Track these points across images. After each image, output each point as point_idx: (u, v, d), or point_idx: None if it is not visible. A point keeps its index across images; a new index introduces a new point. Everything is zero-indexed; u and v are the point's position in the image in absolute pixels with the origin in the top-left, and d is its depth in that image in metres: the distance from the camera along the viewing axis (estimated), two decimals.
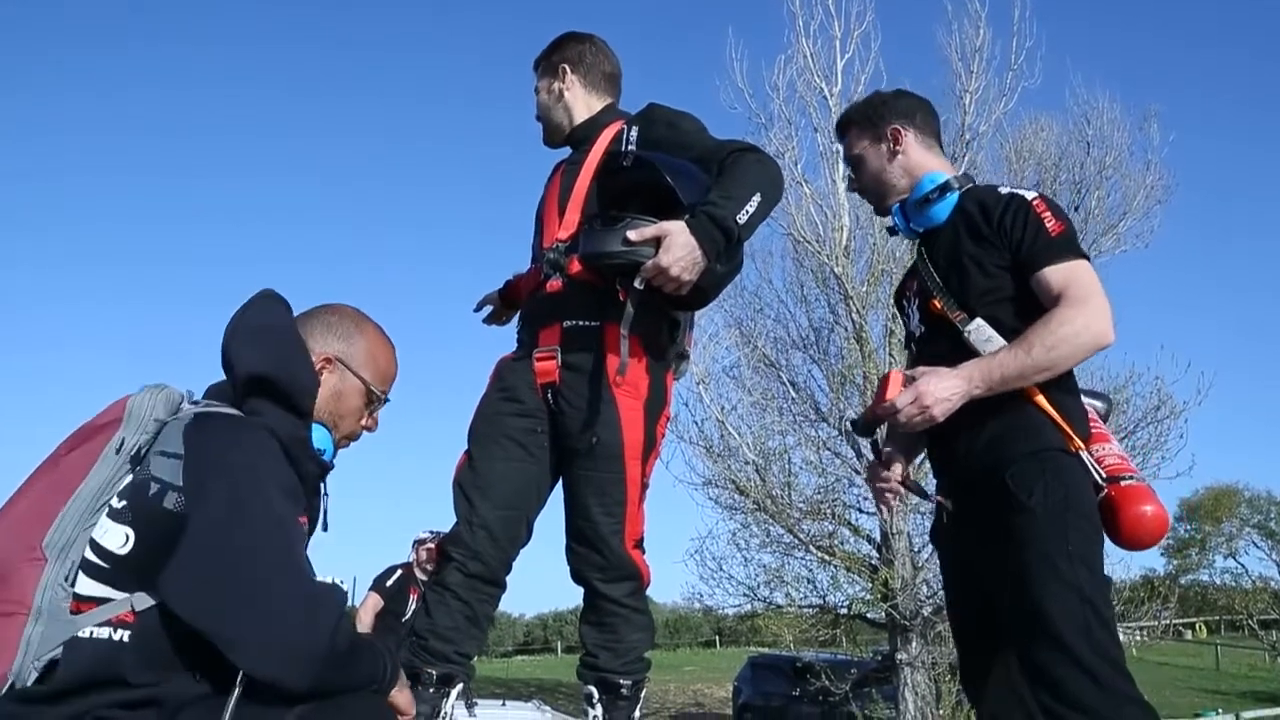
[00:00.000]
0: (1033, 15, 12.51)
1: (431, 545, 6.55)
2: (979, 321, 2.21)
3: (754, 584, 12.63)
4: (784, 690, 14.48)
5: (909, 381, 2.18)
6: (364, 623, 6.86)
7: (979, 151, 11.84)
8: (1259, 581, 37.96)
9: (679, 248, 2.28)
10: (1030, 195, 2.27)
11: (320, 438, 1.80)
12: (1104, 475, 2.15)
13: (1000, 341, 2.18)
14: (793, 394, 12.39)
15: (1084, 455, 2.16)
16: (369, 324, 1.92)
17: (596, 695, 2.57)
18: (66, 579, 1.48)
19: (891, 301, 11.59)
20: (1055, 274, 2.16)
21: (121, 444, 1.57)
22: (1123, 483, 2.15)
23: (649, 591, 2.67)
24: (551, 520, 2.69)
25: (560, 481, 2.66)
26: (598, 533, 2.54)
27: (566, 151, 2.84)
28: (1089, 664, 1.96)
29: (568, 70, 2.80)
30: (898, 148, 2.43)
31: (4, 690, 1.45)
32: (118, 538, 1.50)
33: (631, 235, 2.31)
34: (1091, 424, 2.26)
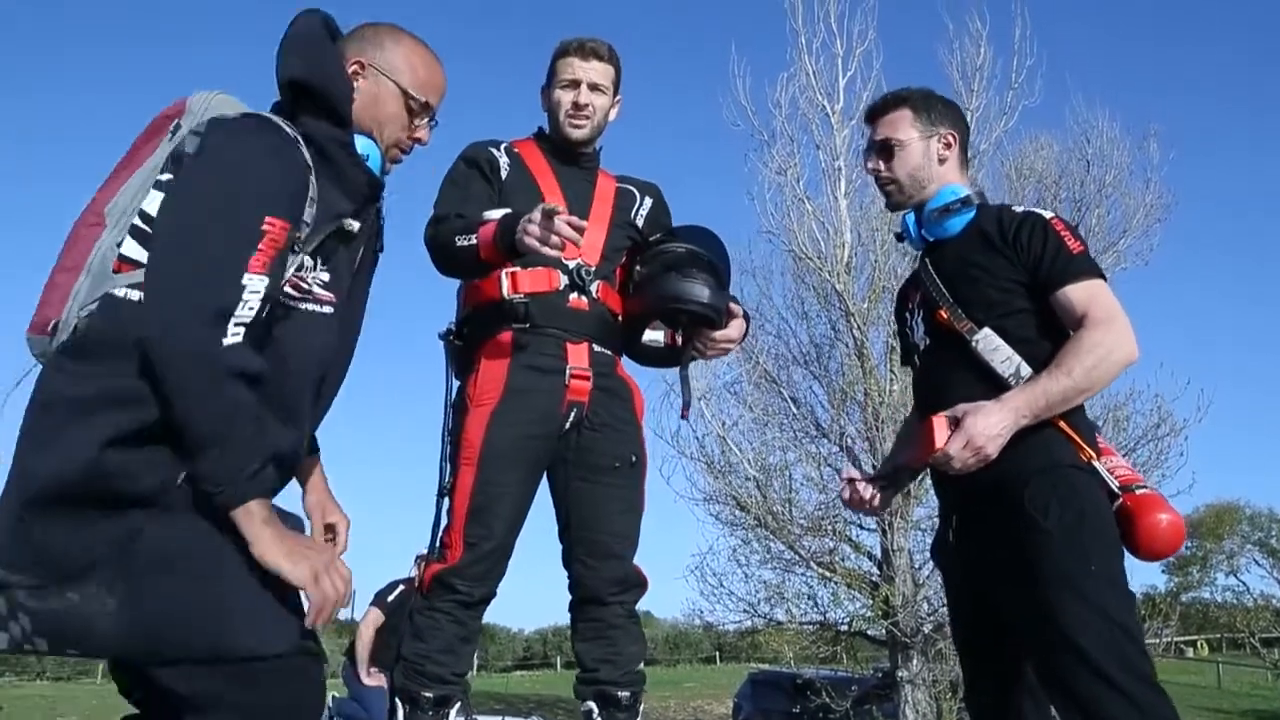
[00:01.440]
0: (1033, 34, 12.58)
1: None
2: (987, 331, 2.20)
3: (754, 600, 12.60)
4: (784, 707, 14.39)
5: (952, 423, 2.14)
6: (365, 639, 6.84)
7: (979, 170, 11.86)
8: (1260, 599, 37.86)
9: (738, 329, 2.67)
10: (1048, 214, 2.28)
11: (364, 145, 1.82)
12: (1118, 485, 2.13)
13: (1009, 351, 2.18)
14: (794, 410, 12.37)
15: (1097, 465, 2.14)
16: (407, 35, 1.93)
17: (596, 710, 2.58)
18: (118, 244, 1.63)
19: (893, 316, 11.61)
20: (1077, 292, 2.16)
21: (176, 128, 1.71)
22: (1137, 491, 2.13)
23: (649, 607, 2.69)
24: (547, 536, 2.70)
25: (561, 498, 2.66)
26: (623, 545, 2.60)
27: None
28: (1123, 685, 1.94)
29: (620, 94, 2.82)
30: (947, 153, 2.40)
31: (51, 334, 1.63)
32: (156, 205, 1.64)
33: (710, 296, 2.54)
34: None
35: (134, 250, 1.62)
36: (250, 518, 1.53)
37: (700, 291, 2.53)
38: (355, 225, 1.77)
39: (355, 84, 1.83)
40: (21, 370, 1.68)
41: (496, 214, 2.42)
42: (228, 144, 1.64)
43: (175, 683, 1.54)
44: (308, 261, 1.72)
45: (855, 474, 2.48)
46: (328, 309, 1.76)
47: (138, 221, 1.64)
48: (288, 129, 1.69)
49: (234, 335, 1.52)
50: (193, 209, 1.59)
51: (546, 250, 2.25)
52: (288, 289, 1.69)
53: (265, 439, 1.57)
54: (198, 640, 1.51)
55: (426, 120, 1.93)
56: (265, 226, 1.58)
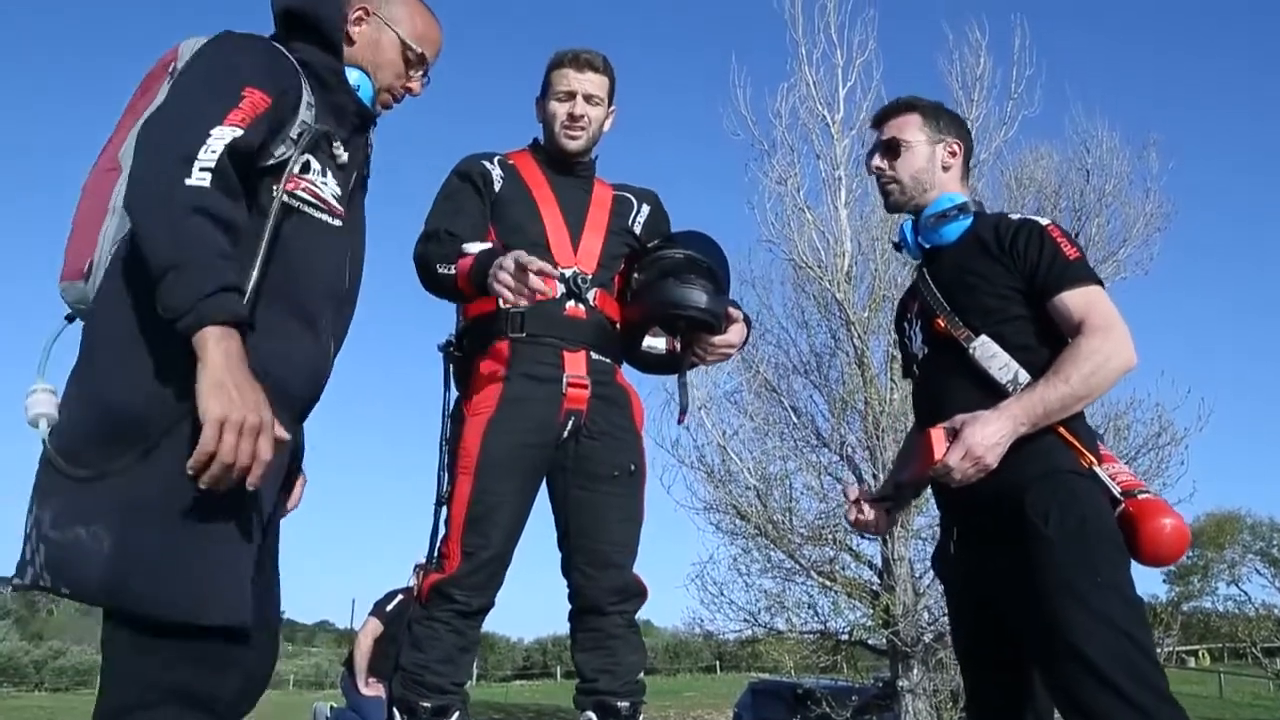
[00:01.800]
0: (1033, 44, 12.62)
1: None
2: (984, 338, 2.20)
3: (755, 609, 12.58)
4: (785, 716, 14.35)
5: (950, 435, 2.12)
6: (364, 648, 6.83)
7: (979, 179, 11.87)
8: (1262, 609, 37.79)
9: (739, 334, 2.68)
10: (1044, 221, 2.28)
11: (356, 76, 1.93)
12: (1119, 490, 2.12)
13: (1006, 358, 2.17)
14: (794, 419, 12.37)
15: (1099, 471, 2.13)
16: None
17: None
18: None
19: (893, 327, 11.62)
20: (1074, 298, 2.15)
21: (173, 70, 1.78)
22: (1139, 497, 2.11)
23: (649, 616, 2.69)
24: (548, 546, 2.70)
25: (561, 506, 2.66)
26: (622, 555, 2.60)
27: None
28: (1133, 697, 1.92)
29: (614, 105, 2.83)
30: (951, 160, 2.41)
31: (87, 276, 1.69)
32: None
33: (708, 302, 2.55)
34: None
35: None
36: (203, 343, 1.48)
37: (698, 297, 2.54)
38: (344, 154, 1.84)
39: (358, 27, 1.96)
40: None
41: (475, 248, 2.45)
42: (216, 43, 1.76)
43: (126, 649, 1.57)
44: (315, 165, 1.79)
45: (855, 493, 2.47)
46: (338, 222, 1.83)
47: None
48: (278, 46, 1.81)
49: (199, 179, 1.55)
50: (178, 88, 1.70)
51: (519, 301, 2.29)
52: (302, 193, 1.76)
53: (232, 274, 1.55)
54: (165, 603, 1.53)
55: (421, 73, 2.04)
56: (244, 93, 1.66)
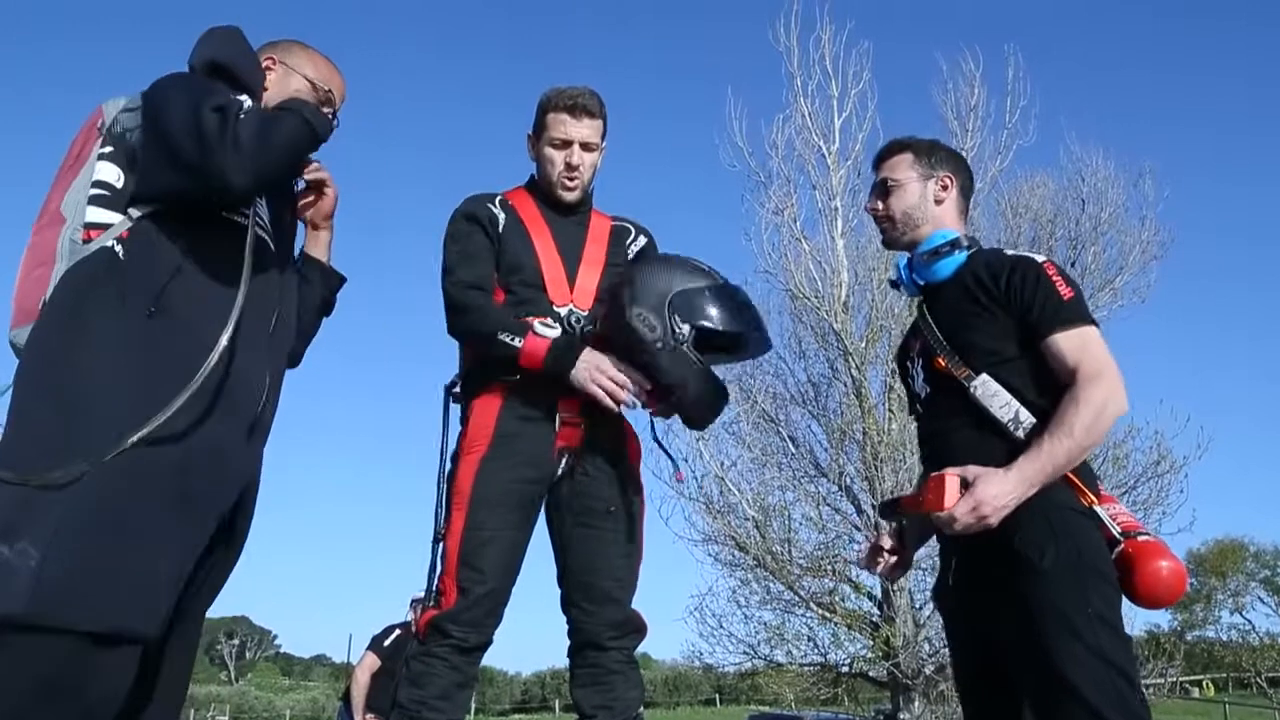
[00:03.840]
0: (1026, 74, 12.78)
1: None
2: (985, 377, 2.20)
3: (754, 641, 12.52)
4: None
5: (964, 486, 2.13)
6: (361, 683, 6.78)
7: (975, 209, 11.90)
8: (1266, 638, 37.57)
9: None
10: (1040, 259, 2.28)
11: None
12: (1119, 530, 2.12)
13: (1007, 397, 2.17)
14: (792, 449, 12.37)
15: (1099, 510, 2.13)
16: (310, 46, 2.32)
17: None
18: (80, 225, 1.89)
19: (891, 359, 11.73)
20: (1067, 341, 2.15)
21: (102, 126, 1.97)
22: (1139, 538, 2.11)
23: (647, 649, 2.67)
24: (547, 579, 2.68)
25: (559, 543, 2.65)
26: (621, 590, 2.58)
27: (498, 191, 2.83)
28: None
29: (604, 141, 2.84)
30: (943, 194, 2.43)
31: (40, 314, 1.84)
32: (112, 173, 1.93)
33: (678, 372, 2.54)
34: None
35: (99, 215, 1.89)
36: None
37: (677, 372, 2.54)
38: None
39: (270, 74, 2.19)
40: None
41: (550, 333, 2.54)
42: (164, 79, 1.96)
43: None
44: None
45: (887, 544, 2.51)
46: (269, 237, 2.05)
47: (96, 191, 1.91)
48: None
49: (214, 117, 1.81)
50: (170, 105, 1.88)
51: (606, 402, 2.50)
52: (236, 217, 1.94)
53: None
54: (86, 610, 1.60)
55: (331, 113, 2.20)
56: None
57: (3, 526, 1.59)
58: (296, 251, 2.29)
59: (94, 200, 1.90)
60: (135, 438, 1.63)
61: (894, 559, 2.50)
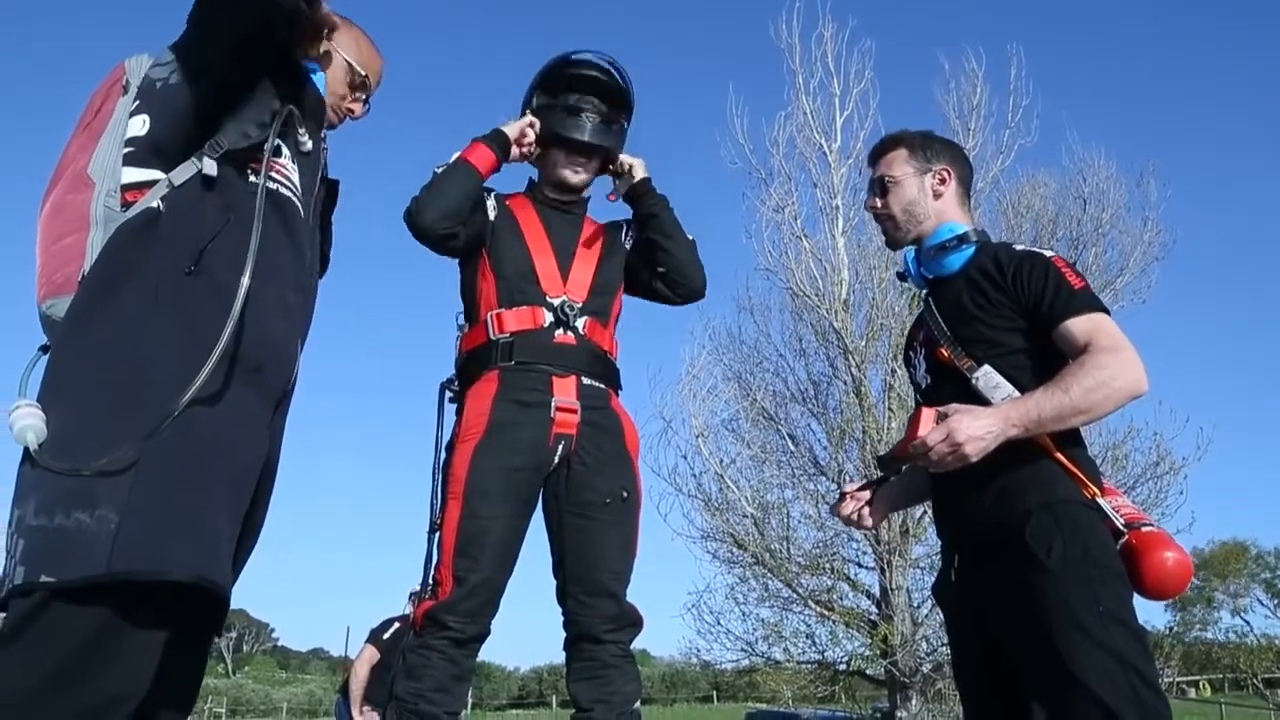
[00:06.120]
0: (1029, 74, 12.74)
1: None
2: (987, 368, 2.19)
3: (752, 639, 12.48)
4: None
5: (941, 419, 2.10)
6: (359, 676, 6.79)
7: (976, 208, 11.83)
8: (1263, 639, 37.59)
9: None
10: (1049, 253, 2.27)
11: (318, 78, 2.09)
12: (1123, 522, 2.09)
13: (1009, 388, 2.15)
14: (791, 448, 12.35)
15: (1102, 503, 2.11)
16: (357, 26, 2.26)
17: None
18: (113, 189, 1.78)
19: (891, 356, 11.76)
20: (1079, 325, 2.12)
21: (127, 84, 1.86)
22: (1143, 529, 2.09)
23: (645, 645, 2.67)
24: (544, 574, 2.68)
25: (555, 534, 2.65)
26: (617, 582, 2.58)
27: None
28: None
29: None
30: (941, 188, 2.42)
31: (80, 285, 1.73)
32: (138, 125, 1.80)
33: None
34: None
35: (136, 175, 1.79)
36: None
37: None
38: (309, 142, 1.98)
39: None
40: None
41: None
42: None
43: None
44: (285, 151, 1.93)
45: (851, 487, 2.49)
46: (299, 203, 1.96)
47: (129, 150, 1.80)
48: None
49: None
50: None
51: (529, 134, 2.78)
52: (277, 175, 1.88)
53: None
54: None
55: (363, 97, 2.24)
56: None
57: (85, 496, 1.56)
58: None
59: (128, 160, 1.80)
60: (184, 402, 1.59)
61: (864, 505, 2.46)
